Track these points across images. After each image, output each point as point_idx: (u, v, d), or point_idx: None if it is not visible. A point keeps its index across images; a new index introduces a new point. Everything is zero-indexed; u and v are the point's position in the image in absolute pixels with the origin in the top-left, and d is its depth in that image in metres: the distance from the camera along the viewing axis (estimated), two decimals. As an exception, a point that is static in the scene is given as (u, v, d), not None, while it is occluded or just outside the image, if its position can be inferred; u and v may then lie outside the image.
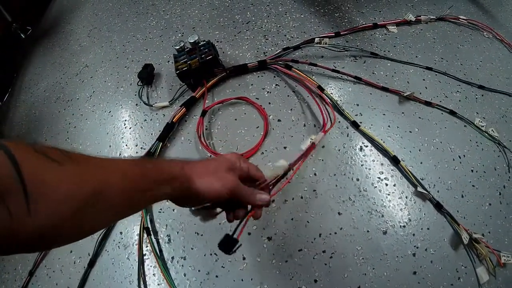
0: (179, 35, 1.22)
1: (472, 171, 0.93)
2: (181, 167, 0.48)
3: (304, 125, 0.96)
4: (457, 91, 1.10)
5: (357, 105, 1.01)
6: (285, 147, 0.92)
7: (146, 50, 1.22)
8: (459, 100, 1.08)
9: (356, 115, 0.98)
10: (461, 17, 1.39)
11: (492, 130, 1.03)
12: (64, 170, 0.36)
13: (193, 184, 0.48)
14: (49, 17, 1.65)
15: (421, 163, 0.92)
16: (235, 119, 0.97)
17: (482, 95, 1.11)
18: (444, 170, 0.93)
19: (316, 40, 1.13)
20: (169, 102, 1.03)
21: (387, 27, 1.29)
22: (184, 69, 0.96)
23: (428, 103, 1.05)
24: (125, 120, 1.06)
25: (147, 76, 1.08)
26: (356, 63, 1.12)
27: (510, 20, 1.42)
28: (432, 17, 1.36)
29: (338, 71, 1.06)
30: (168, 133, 0.96)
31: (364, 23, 1.25)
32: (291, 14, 1.27)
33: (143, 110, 1.06)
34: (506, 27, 1.38)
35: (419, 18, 1.34)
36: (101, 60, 1.27)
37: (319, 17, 1.27)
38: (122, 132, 1.04)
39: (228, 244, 0.50)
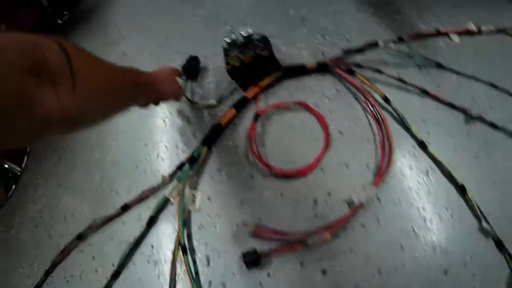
0: (228, 27, 1.12)
1: None
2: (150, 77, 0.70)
3: (368, 140, 0.86)
4: None
5: (424, 121, 0.91)
6: (347, 165, 0.83)
7: (191, 41, 1.12)
8: None
9: (424, 133, 0.88)
10: None
11: None
12: (102, 65, 0.49)
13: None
14: (87, 2, 1.56)
15: (487, 194, 0.82)
16: (291, 126, 0.88)
17: None
18: (509, 203, 0.83)
19: (381, 44, 1.03)
20: (216, 100, 0.93)
21: (450, 35, 1.19)
22: (236, 65, 0.88)
23: (493, 126, 0.94)
24: (166, 118, 0.97)
25: (193, 70, 0.99)
26: (421, 73, 1.02)
27: None
28: (492, 28, 1.25)
29: (404, 81, 0.96)
30: (215, 136, 0.87)
31: (425, 28, 1.16)
32: (350, 13, 1.17)
33: (187, 108, 0.97)
34: None
35: (480, 28, 1.24)
36: (142, 49, 1.18)
37: (379, 19, 1.17)
38: (161, 130, 0.95)
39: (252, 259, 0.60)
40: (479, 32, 1.24)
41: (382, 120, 0.87)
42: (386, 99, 0.90)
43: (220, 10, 1.21)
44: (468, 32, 1.23)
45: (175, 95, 0.76)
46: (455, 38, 1.18)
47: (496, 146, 0.91)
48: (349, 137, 0.86)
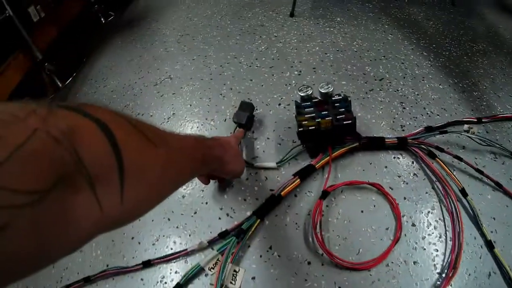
0: (295, 72, 1.01)
1: None
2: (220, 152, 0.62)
3: (440, 237, 0.76)
4: None
5: (494, 219, 0.82)
6: (415, 262, 0.72)
7: (251, 80, 1.01)
8: None
9: (492, 231, 0.80)
10: None
11: None
12: (159, 154, 0.36)
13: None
14: (137, 7, 1.47)
15: None
16: (362, 211, 0.76)
17: None
18: None
19: (465, 127, 0.95)
20: (277, 163, 0.81)
21: None
22: (310, 128, 0.75)
23: None
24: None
25: (247, 121, 0.86)
26: (496, 163, 0.92)
27: None
28: None
29: (482, 172, 0.87)
30: (270, 208, 0.74)
31: (501, 110, 1.08)
32: (429, 80, 1.07)
33: None
34: None
35: None
36: (190, 76, 1.06)
37: (458, 93, 1.08)
38: (206, 185, 0.81)
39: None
40: None
41: (458, 215, 0.78)
42: (464, 192, 0.81)
43: (287, 50, 1.12)
44: None
45: (240, 174, 0.72)
46: None
47: None
48: (422, 231, 0.76)
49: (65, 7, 1.44)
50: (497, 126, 1.03)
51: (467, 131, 0.93)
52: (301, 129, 0.75)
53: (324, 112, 0.77)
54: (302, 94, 0.79)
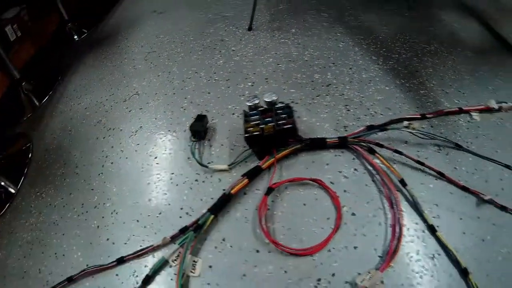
0: (249, 83, 1.10)
1: None
2: None
3: (380, 224, 0.84)
4: None
5: (436, 205, 0.90)
6: (355, 247, 0.80)
7: (209, 93, 1.09)
8: None
9: (434, 217, 0.87)
10: None
11: None
12: None
13: None
14: (108, 25, 1.55)
15: (487, 275, 0.82)
16: (304, 204, 0.84)
17: None
18: (510, 285, 0.82)
19: (405, 123, 1.02)
20: (228, 166, 0.89)
21: (471, 113, 1.20)
22: (255, 133, 0.84)
23: (503, 208, 0.94)
24: (173, 174, 0.94)
25: (201, 130, 0.95)
26: (440, 154, 1.01)
27: None
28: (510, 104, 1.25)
29: (422, 163, 0.95)
30: (222, 205, 0.83)
31: (448, 105, 1.16)
32: (376, 83, 1.15)
33: (195, 168, 0.93)
34: None
35: (501, 105, 1.24)
36: (155, 91, 1.14)
37: (404, 92, 1.15)
38: (167, 187, 0.91)
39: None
40: (499, 109, 1.25)
41: (396, 204, 0.85)
42: (403, 182, 0.88)
43: (243, 63, 1.20)
44: (489, 110, 1.25)
45: None
46: (476, 116, 1.19)
47: (503, 229, 0.90)
48: (362, 219, 0.84)
49: (41, 26, 1.51)
50: (443, 120, 1.11)
51: (407, 127, 1.01)
52: (247, 135, 0.84)
53: (268, 119, 0.86)
54: (249, 104, 0.88)
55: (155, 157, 0.97)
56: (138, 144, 1.01)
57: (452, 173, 0.96)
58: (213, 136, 0.98)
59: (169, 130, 1.02)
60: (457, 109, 1.17)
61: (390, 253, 0.79)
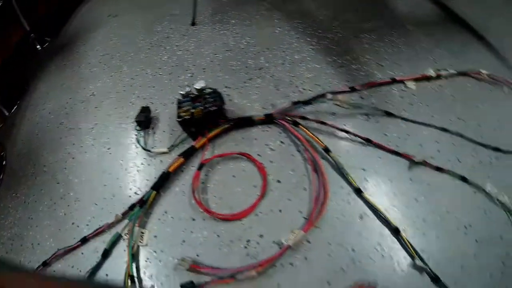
0: (189, 75, 1.20)
1: (476, 241, 0.90)
2: None
3: (305, 189, 0.93)
4: (472, 155, 1.07)
5: (364, 169, 0.98)
6: (280, 211, 0.89)
7: (154, 87, 1.19)
8: (473, 165, 1.04)
9: (361, 180, 0.95)
10: (483, 71, 1.35)
11: (502, 195, 0.98)
12: None
13: None
14: (67, 33, 1.64)
15: (423, 233, 0.89)
16: (233, 176, 0.94)
17: (497, 158, 1.08)
18: (446, 241, 0.89)
19: (329, 96, 1.10)
20: (168, 148, 1.00)
21: (406, 83, 1.25)
22: (186, 117, 0.94)
23: (439, 169, 1.00)
24: (122, 161, 1.04)
25: (145, 120, 1.06)
26: (369, 123, 1.08)
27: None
28: (453, 71, 1.32)
29: (348, 131, 1.03)
30: (162, 182, 0.93)
31: (381, 77, 1.22)
32: (307, 63, 1.24)
33: (142, 154, 1.04)
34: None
35: (440, 73, 1.29)
36: (108, 90, 1.24)
37: (336, 68, 1.24)
38: (118, 172, 1.01)
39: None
40: (438, 77, 1.30)
41: (319, 170, 0.94)
42: (327, 150, 0.97)
43: (184, 57, 1.30)
44: (426, 78, 1.29)
45: None
46: (411, 85, 1.24)
47: (439, 189, 0.97)
48: (287, 185, 0.92)
49: (3, 39, 1.59)
50: (375, 91, 1.18)
51: (331, 99, 1.10)
52: (179, 119, 0.95)
53: (198, 103, 0.97)
54: (182, 93, 0.99)
55: (108, 148, 1.07)
56: (95, 139, 1.12)
57: (382, 139, 1.03)
58: (156, 125, 1.08)
59: (119, 124, 1.12)
60: (389, 79, 1.22)
61: (313, 214, 0.87)
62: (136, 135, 1.07)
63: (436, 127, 1.11)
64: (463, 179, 0.99)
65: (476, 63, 1.36)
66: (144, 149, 1.03)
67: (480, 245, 0.89)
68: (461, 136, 1.10)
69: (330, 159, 0.97)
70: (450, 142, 1.09)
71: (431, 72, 1.28)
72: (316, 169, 0.95)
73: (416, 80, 1.26)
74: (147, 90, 1.19)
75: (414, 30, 1.50)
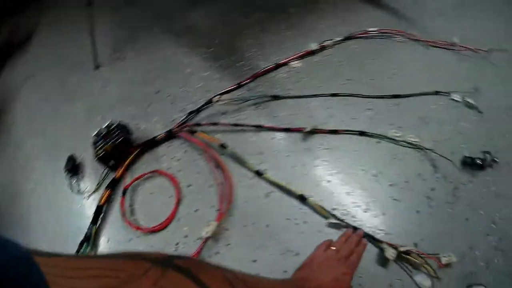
0: (100, 116, 1.32)
1: (391, 185, 1.02)
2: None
3: (211, 186, 1.05)
4: (368, 109, 1.20)
5: (261, 153, 1.11)
6: (196, 210, 1.00)
7: (75, 136, 1.30)
8: (371, 118, 1.17)
9: (260, 163, 1.08)
10: (370, 29, 1.47)
11: (410, 136, 1.11)
12: None
13: None
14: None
15: (332, 193, 0.99)
16: (152, 193, 1.06)
17: (397, 104, 1.21)
18: (359, 193, 0.99)
19: (214, 99, 1.24)
20: (96, 186, 1.15)
21: (290, 64, 1.38)
22: (101, 155, 1.09)
23: (333, 132, 1.14)
24: (63, 209, 1.14)
25: (72, 167, 1.20)
26: (258, 111, 1.23)
27: (422, 16, 1.51)
28: (338, 39, 1.44)
29: (239, 125, 1.18)
30: (98, 215, 1.07)
31: (266, 66, 1.35)
32: (197, 74, 1.39)
33: (77, 197, 1.14)
34: (419, 25, 1.48)
35: (323, 44, 1.42)
36: (40, 151, 1.34)
37: (223, 71, 1.39)
38: (62, 220, 1.11)
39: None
40: (323, 48, 1.42)
41: (220, 165, 1.09)
42: (224, 146, 1.12)
43: (95, 100, 1.43)
44: (311, 53, 1.41)
45: None
46: (296, 64, 1.37)
47: (338, 149, 1.10)
48: (196, 187, 1.04)
49: None
50: (261, 80, 1.33)
51: (217, 101, 1.24)
52: (96, 157, 1.10)
53: (108, 139, 1.12)
54: (94, 134, 1.15)
55: (48, 202, 1.20)
56: (38, 197, 1.27)
57: (273, 121, 1.17)
58: (83, 168, 1.22)
59: (53, 177, 1.24)
60: (273, 65, 1.35)
61: (221, 205, 0.98)
62: (69, 183, 1.20)
63: (325, 95, 1.24)
64: (362, 133, 1.12)
65: (364, 24, 1.48)
66: (78, 193, 1.16)
67: (397, 188, 1.02)
68: (353, 95, 1.23)
69: (228, 153, 1.09)
70: (342, 104, 1.21)
71: (314, 46, 1.41)
72: (217, 165, 1.09)
73: (301, 58, 1.40)
74: (71, 140, 1.31)
75: (297, 12, 1.64)
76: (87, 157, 1.24)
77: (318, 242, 0.87)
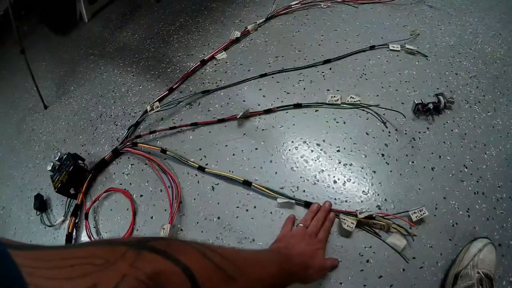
0: (56, 151, 1.38)
1: (338, 151, 1.02)
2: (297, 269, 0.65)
3: (161, 191, 1.10)
4: (300, 80, 1.23)
5: (200, 149, 1.15)
6: (152, 217, 1.06)
7: (38, 176, 1.36)
8: (304, 89, 1.20)
9: (201, 159, 1.11)
10: (292, 3, 1.49)
11: (351, 96, 1.12)
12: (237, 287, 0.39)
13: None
14: None
15: (276, 173, 1.01)
16: (111, 210, 1.11)
17: (331, 69, 1.23)
18: (304, 168, 1.00)
19: (148, 108, 1.30)
20: (63, 216, 1.24)
21: (215, 57, 1.43)
22: (59, 186, 1.13)
23: (268, 111, 1.17)
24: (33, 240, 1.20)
25: (40, 204, 1.29)
26: (192, 109, 1.29)
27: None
28: (260, 21, 1.48)
29: (175, 127, 1.24)
30: (69, 243, 1.16)
31: (192, 65, 1.41)
32: (132, 90, 1.46)
33: (50, 230, 1.20)
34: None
35: (246, 30, 1.46)
36: (11, 198, 1.43)
37: (154, 80, 1.45)
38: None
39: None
40: (246, 34, 1.46)
41: (165, 170, 1.17)
42: (164, 151, 1.19)
43: (48, 139, 1.50)
44: (235, 41, 1.45)
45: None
46: (222, 55, 1.43)
47: (274, 128, 1.13)
48: (148, 196, 1.09)
49: None
50: (190, 80, 1.39)
51: (151, 110, 1.31)
52: (56, 190, 1.19)
53: (62, 171, 1.22)
54: (49, 169, 1.26)
55: (30, 240, 1.31)
56: (17, 236, 1.37)
57: (208, 115, 1.22)
58: (50, 203, 1.27)
59: (29, 218, 1.32)
60: (199, 63, 1.41)
61: (171, 207, 1.03)
62: (41, 219, 1.28)
63: (254, 78, 1.28)
64: (297, 105, 1.15)
65: (286, 1, 1.50)
66: (49, 226, 1.25)
67: (346, 152, 1.02)
68: (282, 71, 1.26)
69: (170, 156, 1.14)
70: (273, 82, 1.24)
71: (236, 34, 1.45)
72: (163, 170, 1.17)
73: (225, 48, 1.45)
74: (35, 180, 1.39)
75: (218, 5, 1.69)
76: (51, 193, 1.30)
77: (271, 224, 0.91)
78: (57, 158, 1.23)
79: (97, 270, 0.27)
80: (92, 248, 0.31)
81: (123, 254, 0.30)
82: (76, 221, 1.15)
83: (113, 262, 0.28)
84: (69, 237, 1.15)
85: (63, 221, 1.21)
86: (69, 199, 1.21)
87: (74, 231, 1.12)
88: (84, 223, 1.10)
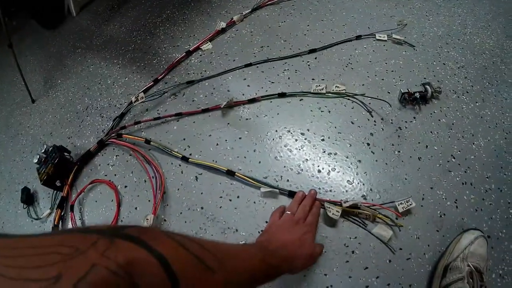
0: (43, 144, 1.35)
1: (323, 140, 1.04)
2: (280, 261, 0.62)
3: (145, 181, 1.11)
4: (285, 70, 1.24)
5: (184, 139, 1.17)
6: (136, 208, 1.06)
7: (25, 169, 1.36)
8: (289, 78, 1.20)
9: (185, 149, 1.13)
10: None
11: (336, 86, 1.12)
12: (217, 280, 0.38)
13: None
14: None
15: (259, 162, 1.02)
16: (96, 201, 1.12)
17: (316, 58, 1.24)
18: (288, 157, 1.00)
19: (133, 99, 1.31)
20: (50, 208, 1.24)
21: (201, 47, 1.44)
22: (45, 178, 1.13)
23: (252, 100, 1.18)
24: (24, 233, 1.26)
25: (27, 198, 1.30)
26: (177, 99, 1.30)
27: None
28: (246, 12, 1.49)
29: (160, 117, 1.25)
30: None
31: (178, 56, 1.42)
32: (118, 82, 1.47)
33: (37, 223, 1.19)
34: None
35: (232, 20, 1.47)
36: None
37: (140, 72, 1.46)
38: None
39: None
40: (232, 24, 1.47)
41: (148, 160, 1.18)
42: (148, 141, 1.20)
43: (35, 132, 1.51)
44: (221, 32, 1.46)
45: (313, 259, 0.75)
46: (207, 46, 1.44)
47: (258, 117, 1.13)
48: (132, 186, 1.10)
49: None
50: (175, 71, 1.40)
51: (136, 101, 1.31)
52: (41, 182, 1.20)
53: (47, 163, 1.22)
54: (35, 161, 1.26)
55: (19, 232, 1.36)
56: (6, 230, 1.37)
57: (191, 106, 1.23)
58: (37, 196, 1.32)
59: (17, 212, 1.33)
60: (184, 54, 1.41)
61: (155, 197, 1.04)
62: (27, 212, 1.29)
63: (239, 68, 1.29)
64: (281, 95, 1.15)
65: None
66: (36, 219, 1.26)
67: (331, 141, 1.02)
68: (267, 60, 1.26)
69: (154, 146, 1.15)
70: (258, 72, 1.24)
71: (222, 25, 1.46)
72: (147, 160, 1.17)
73: (211, 39, 1.45)
74: (23, 174, 1.40)
75: None
76: (38, 186, 1.31)
77: (255, 214, 0.91)
78: (43, 151, 1.23)
79: (64, 259, 0.26)
80: (62, 236, 0.30)
81: (94, 242, 0.29)
82: (62, 213, 1.15)
83: (83, 251, 0.27)
84: (54, 229, 1.15)
85: (50, 213, 1.22)
86: (55, 191, 1.21)
87: (60, 223, 1.11)
88: (70, 215, 1.10)
